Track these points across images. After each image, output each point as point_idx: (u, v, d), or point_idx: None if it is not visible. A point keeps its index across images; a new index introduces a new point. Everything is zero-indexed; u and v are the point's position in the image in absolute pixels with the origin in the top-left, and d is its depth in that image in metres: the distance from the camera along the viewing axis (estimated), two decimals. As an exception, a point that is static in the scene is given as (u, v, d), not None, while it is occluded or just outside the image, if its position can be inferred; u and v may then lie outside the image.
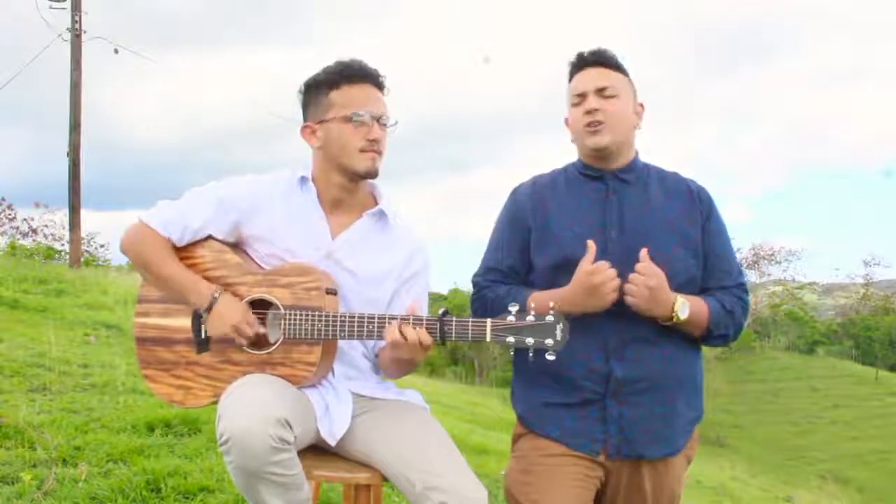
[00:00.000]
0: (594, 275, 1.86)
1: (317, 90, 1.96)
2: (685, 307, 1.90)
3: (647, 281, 1.86)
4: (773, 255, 47.72)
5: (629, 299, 1.88)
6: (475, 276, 2.14)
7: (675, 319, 1.90)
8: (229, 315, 1.85)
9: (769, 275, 48.22)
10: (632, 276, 1.87)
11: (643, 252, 1.89)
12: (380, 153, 1.95)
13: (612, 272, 1.87)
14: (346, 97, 1.92)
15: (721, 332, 1.98)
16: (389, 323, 1.81)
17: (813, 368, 41.75)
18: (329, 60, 1.98)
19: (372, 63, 1.97)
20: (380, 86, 1.97)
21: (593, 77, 2.02)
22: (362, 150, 1.92)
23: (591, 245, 1.89)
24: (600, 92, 1.99)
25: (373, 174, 1.97)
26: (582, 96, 2.01)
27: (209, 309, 1.87)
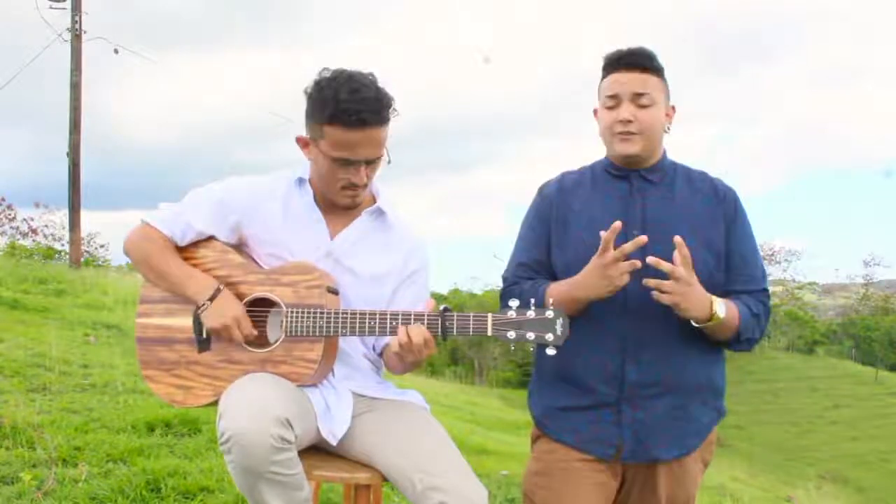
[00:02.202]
0: (606, 262, 1.82)
1: (315, 112, 1.84)
2: (722, 306, 1.86)
3: (680, 275, 1.80)
4: (773, 255, 47.71)
5: (666, 297, 1.82)
6: (504, 272, 2.12)
7: (713, 319, 1.85)
8: (230, 308, 1.85)
9: (769, 275, 47.93)
10: (676, 270, 1.80)
11: (677, 239, 1.81)
12: (363, 188, 1.92)
13: (625, 266, 1.82)
14: (338, 137, 1.81)
15: (748, 335, 1.95)
16: (391, 319, 1.81)
17: (813, 368, 41.78)
18: (329, 61, 1.91)
19: (379, 71, 1.86)
20: (381, 124, 1.84)
21: (630, 83, 1.94)
22: (344, 188, 1.90)
23: (604, 234, 1.83)
24: (636, 99, 1.94)
25: (352, 208, 1.97)
26: (616, 99, 1.95)
27: (211, 299, 1.86)
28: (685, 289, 1.82)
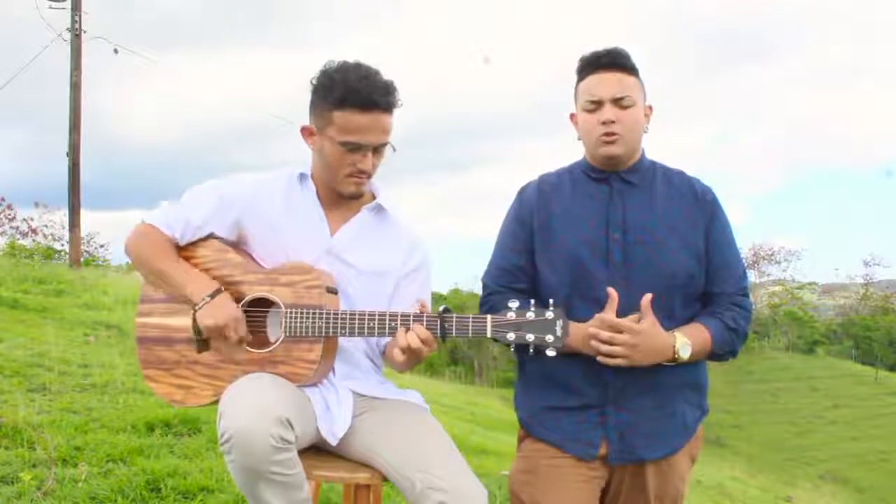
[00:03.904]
0: (595, 339, 1.84)
1: (322, 99, 1.88)
2: (686, 347, 1.88)
3: (627, 340, 1.81)
4: (772, 255, 47.79)
5: (615, 361, 1.83)
6: (484, 275, 2.12)
7: (678, 361, 1.88)
8: (227, 309, 1.84)
9: (769, 275, 48.29)
10: (612, 338, 1.82)
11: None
12: (368, 177, 1.93)
13: (611, 337, 1.82)
14: (346, 121, 1.84)
15: (726, 350, 1.97)
16: (391, 321, 1.81)
17: (813, 368, 41.75)
18: (330, 60, 1.90)
19: (382, 68, 1.88)
20: (388, 109, 1.87)
21: (611, 84, 1.95)
22: (349, 175, 1.91)
23: (613, 294, 1.84)
24: (617, 102, 1.94)
25: (357, 197, 1.97)
26: (598, 104, 1.95)
27: (211, 296, 1.86)
28: (638, 343, 1.82)
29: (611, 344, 1.82)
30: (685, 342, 1.88)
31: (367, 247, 1.99)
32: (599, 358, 1.84)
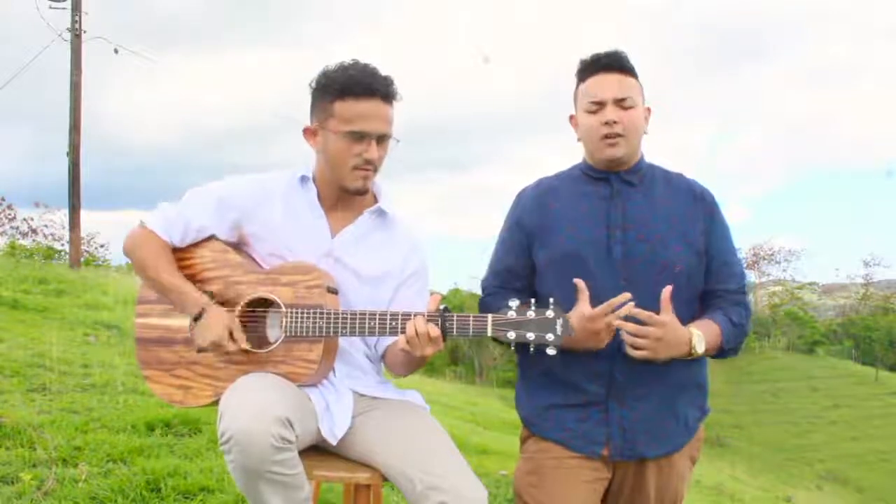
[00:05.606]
0: (594, 321, 1.83)
1: (322, 94, 1.90)
2: (701, 342, 1.89)
3: (654, 333, 1.83)
4: (773, 255, 47.84)
5: (641, 353, 1.84)
6: (483, 279, 2.17)
7: (693, 355, 1.89)
8: (217, 324, 1.83)
9: (769, 275, 48.37)
10: (639, 330, 1.82)
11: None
12: (375, 171, 1.94)
13: (611, 318, 1.83)
14: (348, 111, 1.86)
15: (731, 346, 1.98)
16: (391, 320, 1.81)
17: (813, 368, 41.82)
18: (329, 61, 1.93)
19: (381, 66, 1.90)
20: (388, 99, 1.89)
21: (612, 85, 1.97)
22: (356, 168, 1.91)
23: (582, 285, 1.86)
24: (619, 102, 1.95)
25: (363, 192, 1.97)
26: (600, 104, 1.97)
27: (198, 318, 1.86)
28: (662, 336, 1.83)
29: (637, 336, 1.83)
30: (700, 336, 1.90)
31: (366, 250, 1.99)
32: (627, 349, 1.84)
